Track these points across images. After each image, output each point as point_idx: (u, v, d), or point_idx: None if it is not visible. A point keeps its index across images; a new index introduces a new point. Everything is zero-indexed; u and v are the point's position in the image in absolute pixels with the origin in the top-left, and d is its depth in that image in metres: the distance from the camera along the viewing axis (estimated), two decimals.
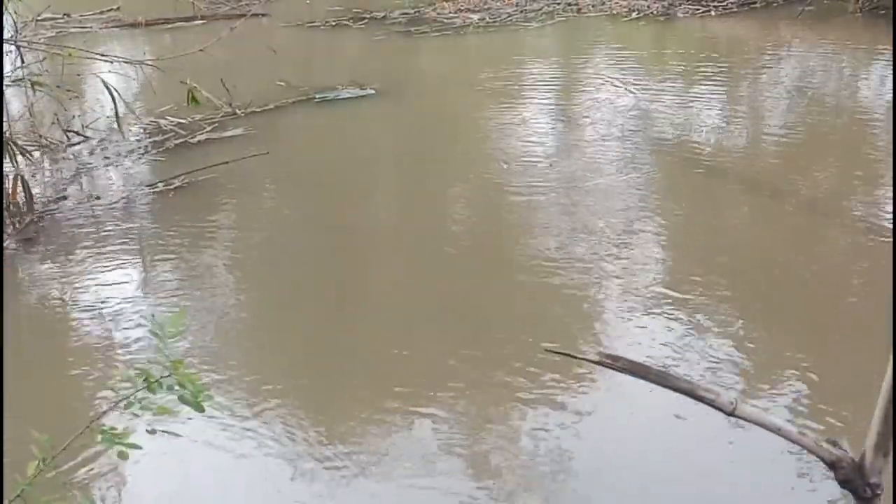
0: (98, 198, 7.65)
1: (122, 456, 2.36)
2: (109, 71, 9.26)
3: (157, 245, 6.85)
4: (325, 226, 6.97)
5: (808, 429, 4.29)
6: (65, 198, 7.65)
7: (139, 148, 8.73)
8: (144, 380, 2.31)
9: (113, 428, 2.38)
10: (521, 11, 13.56)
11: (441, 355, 5.27)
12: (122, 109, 8.16)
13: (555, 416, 4.75)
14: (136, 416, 2.36)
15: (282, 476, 4.43)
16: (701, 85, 10.05)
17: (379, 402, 4.93)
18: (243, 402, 4.95)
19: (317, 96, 9.87)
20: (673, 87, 10.05)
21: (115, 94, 7.90)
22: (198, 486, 4.42)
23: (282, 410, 4.89)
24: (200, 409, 2.33)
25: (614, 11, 13.37)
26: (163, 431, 2.46)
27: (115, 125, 8.33)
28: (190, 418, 4.49)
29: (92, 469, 4.32)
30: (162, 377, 2.31)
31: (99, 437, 2.34)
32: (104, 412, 2.42)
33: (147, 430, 2.43)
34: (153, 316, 2.46)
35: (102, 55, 8.81)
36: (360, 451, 4.56)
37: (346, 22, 13.23)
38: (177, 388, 2.32)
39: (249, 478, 4.44)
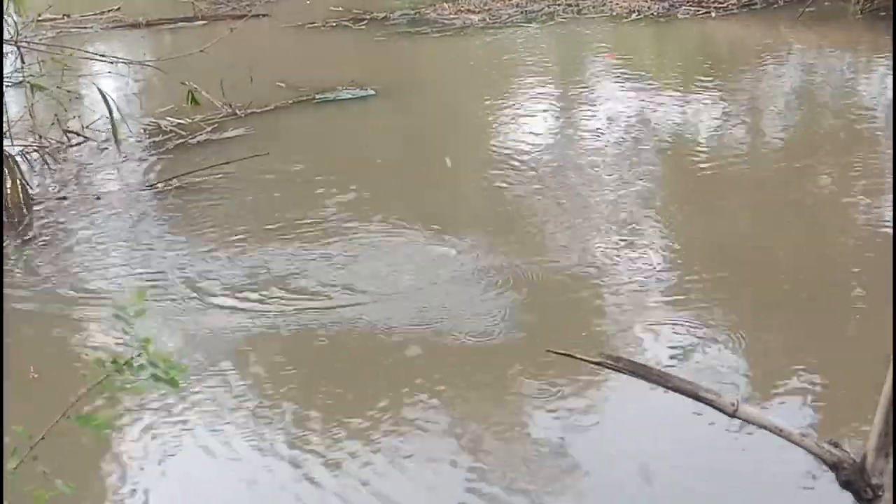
0: (98, 198, 7.65)
1: (96, 430, 2.34)
2: (109, 72, 9.27)
3: (156, 245, 6.84)
4: (325, 226, 6.95)
5: (809, 430, 4.29)
6: (65, 198, 7.64)
7: (139, 148, 8.73)
8: (113, 362, 2.29)
9: (85, 413, 2.37)
10: (522, 12, 13.54)
11: (443, 355, 5.27)
12: (117, 116, 8.15)
13: (555, 416, 4.75)
14: (112, 398, 2.35)
15: (273, 477, 4.43)
16: (701, 86, 10.04)
17: (379, 400, 4.93)
18: (234, 399, 4.95)
19: (317, 97, 9.86)
20: (673, 87, 10.04)
21: (111, 101, 7.88)
22: (179, 473, 4.42)
23: (279, 412, 4.89)
24: (175, 386, 2.31)
25: (615, 13, 13.35)
26: (138, 408, 2.45)
27: (112, 133, 8.33)
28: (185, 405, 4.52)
29: (73, 458, 4.31)
30: (132, 357, 2.29)
31: (73, 422, 2.32)
32: (77, 399, 2.40)
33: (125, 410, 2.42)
34: (113, 301, 2.43)
35: (103, 56, 8.82)
36: (361, 450, 4.56)
37: (346, 23, 13.22)
38: (149, 367, 2.29)
39: (232, 464, 4.44)
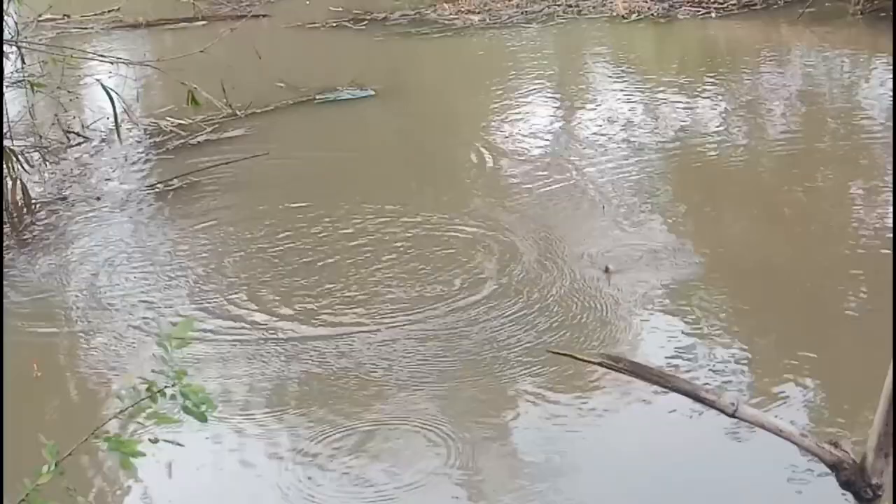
0: (98, 198, 7.65)
1: (126, 465, 2.35)
2: (109, 72, 9.27)
3: (156, 246, 6.84)
4: (326, 227, 6.96)
5: (809, 430, 4.29)
6: (65, 198, 7.65)
7: (139, 149, 8.73)
8: (148, 389, 2.31)
9: (117, 435, 2.37)
10: (522, 13, 13.54)
11: (444, 356, 5.27)
12: (121, 114, 8.16)
13: (554, 416, 4.75)
14: (141, 424, 2.36)
15: (282, 482, 4.44)
16: (701, 87, 10.03)
17: (378, 402, 4.93)
18: (244, 409, 4.95)
19: (317, 97, 9.86)
20: (673, 89, 10.03)
21: (114, 98, 7.89)
22: (201, 493, 4.42)
23: (279, 420, 4.89)
24: (203, 420, 2.34)
25: (615, 13, 13.35)
26: (166, 441, 2.45)
27: (115, 128, 8.34)
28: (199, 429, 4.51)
29: (95, 475, 4.31)
30: (165, 387, 2.31)
31: (104, 445, 2.33)
32: (107, 420, 2.41)
33: (149, 440, 2.43)
34: (159, 335, 2.44)
35: (103, 56, 8.82)
36: (361, 451, 4.56)
37: (346, 23, 13.22)
38: (180, 398, 2.32)
39: (256, 485, 4.44)
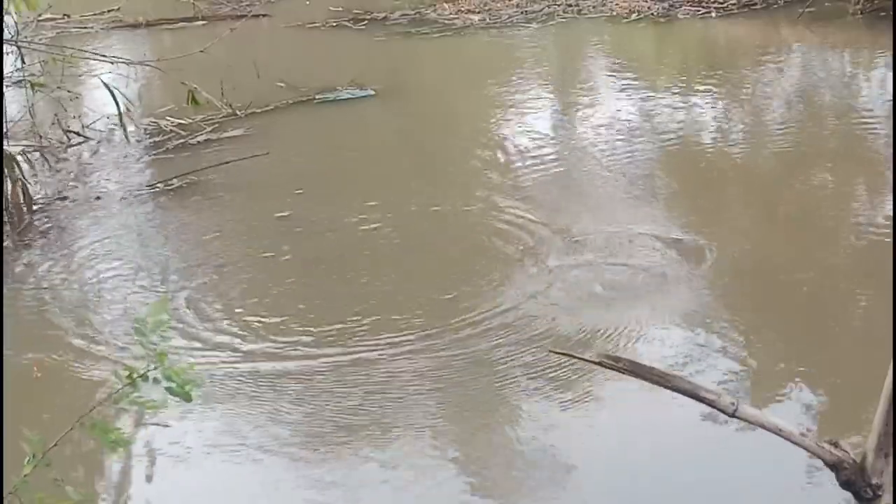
0: (98, 198, 7.65)
1: (112, 447, 2.35)
2: (110, 72, 9.27)
3: (156, 246, 6.85)
4: (325, 227, 6.96)
5: (809, 429, 4.29)
6: (65, 198, 7.65)
7: (139, 148, 8.73)
8: (128, 377, 2.31)
9: (103, 422, 2.37)
10: (522, 13, 13.54)
11: (444, 356, 5.27)
12: (124, 110, 8.16)
13: (554, 417, 4.75)
14: (126, 410, 2.35)
15: (281, 477, 4.44)
16: (701, 87, 10.04)
17: (377, 403, 4.93)
18: (236, 406, 4.95)
19: (317, 97, 9.86)
20: (673, 89, 10.03)
21: (117, 96, 7.90)
22: (191, 482, 4.42)
23: (278, 421, 4.89)
24: (188, 399, 2.34)
25: (614, 13, 13.34)
26: (154, 424, 2.46)
27: (116, 126, 8.33)
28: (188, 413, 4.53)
29: (85, 465, 4.31)
30: (147, 371, 2.31)
31: (88, 431, 2.33)
32: (92, 408, 2.41)
33: (137, 424, 2.43)
34: (136, 321, 2.43)
35: (103, 56, 8.82)
36: (361, 452, 4.56)
37: (346, 23, 13.22)
38: (163, 380, 2.31)
39: (244, 474, 4.44)
